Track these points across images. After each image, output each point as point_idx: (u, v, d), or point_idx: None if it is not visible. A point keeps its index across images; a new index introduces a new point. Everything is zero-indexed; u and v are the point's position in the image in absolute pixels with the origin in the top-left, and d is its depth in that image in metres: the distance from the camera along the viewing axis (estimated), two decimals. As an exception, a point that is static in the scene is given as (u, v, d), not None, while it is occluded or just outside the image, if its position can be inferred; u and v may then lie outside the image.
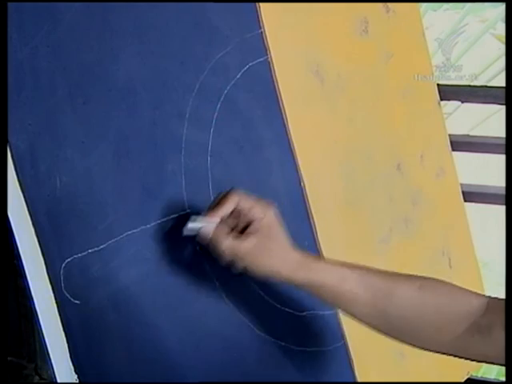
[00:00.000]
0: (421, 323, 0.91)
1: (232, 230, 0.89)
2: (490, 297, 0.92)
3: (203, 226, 0.86)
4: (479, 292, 0.94)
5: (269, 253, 0.88)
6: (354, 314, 0.93)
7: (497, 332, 0.87)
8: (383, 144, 1.29)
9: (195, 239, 0.88)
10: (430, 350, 0.94)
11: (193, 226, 0.87)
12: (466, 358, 0.92)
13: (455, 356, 0.93)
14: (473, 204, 1.68)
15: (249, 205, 0.87)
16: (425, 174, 1.38)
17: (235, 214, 0.88)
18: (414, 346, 0.94)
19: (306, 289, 0.91)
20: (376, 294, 0.90)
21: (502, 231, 0.95)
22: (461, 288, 0.94)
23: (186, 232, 0.87)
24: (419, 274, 0.95)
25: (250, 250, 0.87)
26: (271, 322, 1.03)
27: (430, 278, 0.94)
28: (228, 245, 0.86)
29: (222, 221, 0.87)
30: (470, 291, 0.93)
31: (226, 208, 0.87)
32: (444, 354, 0.93)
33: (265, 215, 0.87)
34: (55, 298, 0.87)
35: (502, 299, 0.92)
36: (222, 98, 1.00)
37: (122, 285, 0.91)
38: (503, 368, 0.86)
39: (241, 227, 0.88)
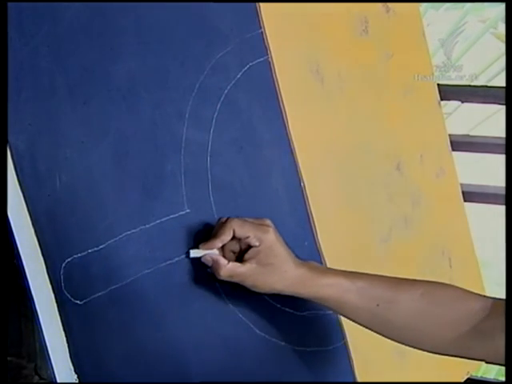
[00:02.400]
0: (422, 329, 0.95)
1: (235, 252, 0.94)
2: (494, 298, 0.94)
3: (202, 255, 0.93)
4: (482, 293, 0.96)
5: (269, 273, 0.93)
6: (357, 322, 0.97)
7: (498, 336, 0.88)
8: (383, 144, 1.29)
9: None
10: (431, 352, 0.96)
11: (194, 256, 0.94)
12: (468, 358, 0.94)
13: (456, 356, 0.95)
14: (473, 204, 1.68)
15: (244, 234, 0.92)
16: (425, 174, 1.38)
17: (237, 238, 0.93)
18: (416, 348, 0.97)
19: (311, 300, 0.96)
20: (378, 304, 0.94)
21: (502, 231, 0.94)
22: (464, 291, 0.96)
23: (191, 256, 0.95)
24: (422, 279, 0.98)
25: (248, 274, 0.92)
26: (271, 321, 1.03)
27: (433, 284, 0.97)
28: (226, 272, 0.92)
29: (225, 245, 0.93)
30: (473, 294, 0.96)
31: (222, 239, 0.92)
32: (445, 355, 0.95)
33: (260, 243, 0.92)
34: (55, 298, 0.86)
35: (503, 300, 0.93)
36: (222, 98, 1.00)
37: (122, 285, 0.91)
38: (503, 368, 0.86)
39: (243, 249, 0.93)
